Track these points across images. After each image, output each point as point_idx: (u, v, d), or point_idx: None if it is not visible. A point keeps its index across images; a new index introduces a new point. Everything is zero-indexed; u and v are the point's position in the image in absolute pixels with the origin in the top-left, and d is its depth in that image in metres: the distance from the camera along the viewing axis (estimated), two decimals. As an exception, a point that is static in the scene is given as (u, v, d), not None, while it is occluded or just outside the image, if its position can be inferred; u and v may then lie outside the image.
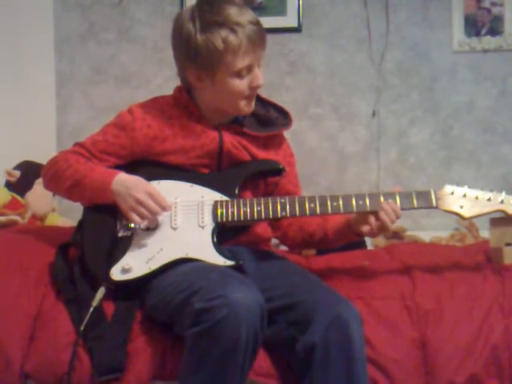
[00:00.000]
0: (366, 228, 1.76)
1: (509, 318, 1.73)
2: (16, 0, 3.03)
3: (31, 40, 3.17)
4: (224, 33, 1.73)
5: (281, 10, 3.28)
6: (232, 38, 1.73)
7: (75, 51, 3.37)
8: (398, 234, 2.90)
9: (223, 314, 1.45)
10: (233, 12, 1.75)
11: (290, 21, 3.29)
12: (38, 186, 2.63)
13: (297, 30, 3.31)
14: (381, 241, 2.83)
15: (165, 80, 3.27)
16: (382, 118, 3.33)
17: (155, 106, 1.91)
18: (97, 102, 3.35)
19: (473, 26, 3.28)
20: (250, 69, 1.79)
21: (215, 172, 1.87)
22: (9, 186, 2.76)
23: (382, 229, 1.74)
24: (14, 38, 3.02)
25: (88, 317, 1.68)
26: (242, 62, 1.76)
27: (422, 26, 3.31)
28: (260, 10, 3.25)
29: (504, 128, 3.30)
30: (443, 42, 3.30)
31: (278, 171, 1.89)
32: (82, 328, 1.67)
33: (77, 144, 1.93)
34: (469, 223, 2.90)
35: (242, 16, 1.75)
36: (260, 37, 1.78)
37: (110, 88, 3.37)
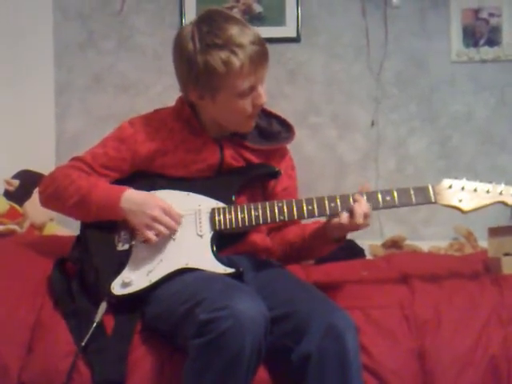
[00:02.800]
0: (335, 220, 1.71)
1: (507, 328, 1.73)
2: (15, 8, 3.03)
3: (30, 48, 3.17)
4: (224, 55, 1.70)
5: (280, 20, 3.29)
6: (233, 60, 1.70)
7: (74, 60, 3.37)
8: (396, 244, 2.90)
9: (228, 324, 1.45)
10: (234, 33, 1.71)
11: (288, 30, 3.30)
12: (37, 195, 2.63)
13: (296, 39, 3.32)
14: (379, 250, 2.83)
15: (164, 88, 3.27)
16: (381, 128, 3.33)
17: (157, 118, 1.90)
18: (96, 111, 3.35)
19: (471, 37, 3.30)
20: (252, 89, 1.77)
21: (211, 179, 1.85)
22: (7, 195, 2.76)
23: (352, 223, 1.69)
24: (13, 46, 3.03)
25: (91, 331, 1.66)
26: (243, 84, 1.74)
27: (420, 36, 3.32)
28: (259, 19, 3.26)
29: (502, 138, 3.31)
30: (441, 52, 3.32)
31: (274, 174, 1.88)
32: (83, 344, 1.65)
33: (75, 158, 1.89)
34: (467, 233, 2.90)
35: (244, 36, 1.72)
36: (262, 56, 1.75)
37: (109, 96, 3.37)
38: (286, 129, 1.94)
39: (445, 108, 3.32)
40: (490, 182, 1.77)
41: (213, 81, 1.74)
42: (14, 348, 1.67)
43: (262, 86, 1.79)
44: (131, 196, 1.76)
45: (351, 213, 1.69)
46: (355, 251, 2.56)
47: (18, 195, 2.73)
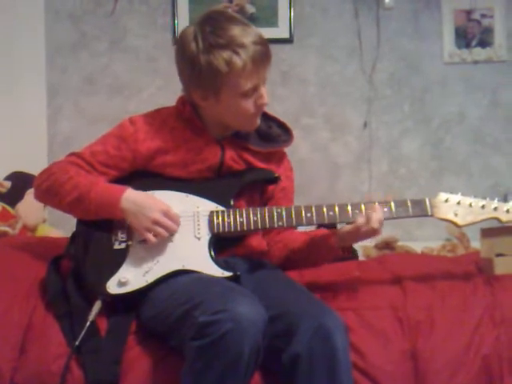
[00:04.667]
0: (348, 227, 1.73)
1: (499, 329, 1.73)
2: (7, 10, 3.03)
3: (23, 50, 3.16)
4: (227, 55, 1.70)
5: (272, 21, 3.30)
6: (235, 60, 1.70)
7: (67, 61, 3.37)
8: (389, 245, 2.90)
9: (228, 327, 1.45)
10: (236, 33, 1.72)
11: (281, 32, 3.31)
12: (29, 196, 2.62)
13: (288, 40, 3.32)
14: (372, 251, 2.83)
15: (157, 90, 3.27)
16: (374, 129, 3.34)
17: (158, 117, 1.89)
18: (88, 112, 3.35)
19: (463, 38, 3.31)
20: (255, 89, 1.77)
21: (210, 181, 1.85)
22: (-1, 196, 2.76)
23: (368, 229, 1.71)
24: (5, 47, 3.02)
25: (85, 330, 1.65)
26: (246, 84, 1.74)
27: (412, 37, 3.34)
28: (252, 20, 3.21)
29: (494, 138, 3.32)
30: (434, 54, 3.33)
31: (273, 180, 1.89)
32: (77, 343, 1.64)
33: (73, 154, 1.87)
34: (460, 233, 2.91)
35: (246, 36, 1.72)
36: (264, 56, 1.76)
37: (102, 98, 3.37)
38: (285, 132, 1.95)
39: (437, 109, 3.33)
40: (485, 198, 1.80)
41: (215, 81, 1.74)
42: (7, 350, 1.66)
43: (264, 87, 1.80)
44: (131, 196, 1.75)
45: (367, 218, 1.71)
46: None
47: (10, 197, 2.73)
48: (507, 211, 1.79)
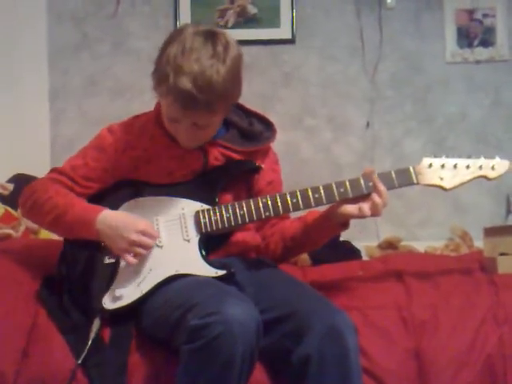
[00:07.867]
0: (350, 208, 1.71)
1: (503, 328, 1.73)
2: (9, 11, 3.03)
3: (24, 52, 3.16)
4: (169, 72, 1.67)
5: (274, 22, 3.29)
6: (166, 86, 1.68)
7: (69, 63, 3.36)
8: (392, 245, 2.89)
9: (219, 331, 1.43)
10: (189, 63, 1.65)
11: (283, 32, 3.30)
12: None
13: (290, 41, 3.32)
14: (375, 251, 2.83)
15: (159, 92, 3.26)
16: (376, 129, 3.34)
17: (137, 125, 1.86)
18: (90, 114, 3.34)
19: (465, 38, 3.30)
20: (175, 120, 1.73)
21: (193, 181, 1.81)
22: (2, 199, 2.75)
23: (375, 210, 1.69)
24: (6, 49, 3.02)
25: (87, 349, 1.63)
26: (169, 112, 1.71)
27: (415, 37, 3.33)
28: (254, 21, 3.25)
29: (496, 138, 3.31)
30: (436, 53, 3.32)
31: (255, 169, 1.84)
32: (79, 361, 1.62)
33: (55, 170, 1.85)
34: (463, 233, 2.90)
35: (191, 74, 1.64)
36: (192, 103, 1.65)
37: (104, 100, 3.36)
38: (267, 127, 1.91)
39: (439, 109, 3.32)
40: (470, 157, 1.75)
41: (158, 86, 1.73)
42: (10, 353, 1.66)
43: (191, 128, 1.73)
44: (106, 218, 1.72)
45: (373, 204, 1.68)
46: (351, 252, 2.56)
47: (13, 199, 2.71)
48: (493, 168, 1.74)
